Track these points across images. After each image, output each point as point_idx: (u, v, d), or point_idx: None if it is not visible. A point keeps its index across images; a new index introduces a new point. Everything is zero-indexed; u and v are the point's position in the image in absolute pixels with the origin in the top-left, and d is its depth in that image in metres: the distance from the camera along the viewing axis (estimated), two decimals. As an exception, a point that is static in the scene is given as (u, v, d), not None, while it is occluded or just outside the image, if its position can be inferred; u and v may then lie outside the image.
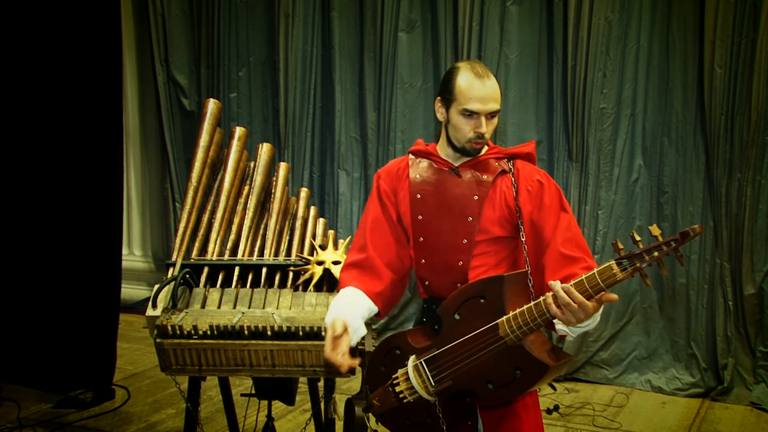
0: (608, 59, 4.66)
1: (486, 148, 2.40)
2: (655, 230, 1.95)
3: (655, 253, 1.95)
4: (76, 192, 4.45)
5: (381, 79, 5.27)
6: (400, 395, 2.31)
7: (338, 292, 2.42)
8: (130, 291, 6.07)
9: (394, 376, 2.33)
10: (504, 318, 2.14)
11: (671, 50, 4.59)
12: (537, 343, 2.16)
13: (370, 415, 2.44)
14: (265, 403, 3.27)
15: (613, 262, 1.98)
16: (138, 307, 5.94)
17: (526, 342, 2.13)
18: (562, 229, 2.27)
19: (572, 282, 2.03)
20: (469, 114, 2.30)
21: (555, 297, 2.03)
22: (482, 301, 2.18)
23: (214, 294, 2.85)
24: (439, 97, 2.37)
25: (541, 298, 2.09)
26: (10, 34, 4.41)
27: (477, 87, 2.28)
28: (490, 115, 2.31)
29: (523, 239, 2.33)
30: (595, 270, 1.99)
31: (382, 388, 2.35)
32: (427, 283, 2.44)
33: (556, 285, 2.03)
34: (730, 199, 4.50)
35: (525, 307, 2.11)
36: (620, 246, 2.00)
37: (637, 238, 1.98)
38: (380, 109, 5.32)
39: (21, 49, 4.41)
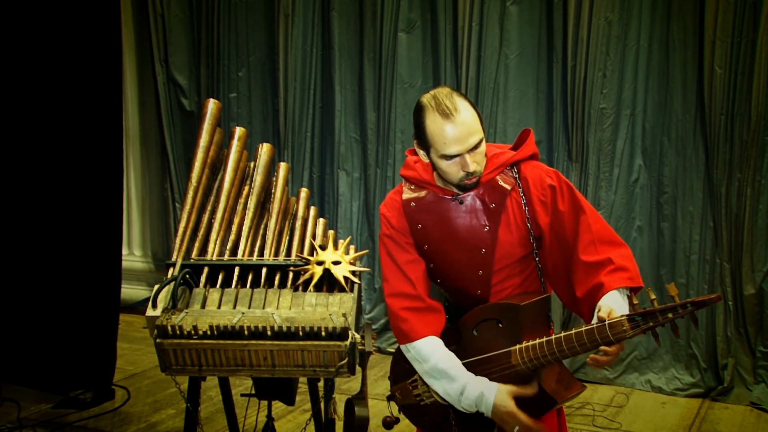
0: (608, 59, 4.66)
1: (484, 161, 2.27)
2: (672, 290, 1.90)
3: (669, 315, 1.91)
4: (76, 192, 4.45)
5: (381, 79, 5.27)
6: (417, 397, 2.32)
7: (413, 340, 2.26)
8: (130, 291, 6.07)
9: (413, 378, 2.34)
10: (517, 347, 2.12)
11: (671, 50, 4.59)
12: (550, 373, 2.14)
13: (393, 403, 2.46)
14: (265, 403, 3.26)
15: (625, 318, 1.94)
16: (138, 307, 5.94)
17: (539, 372, 2.12)
18: (582, 233, 2.17)
19: (585, 328, 2.00)
20: (451, 157, 2.14)
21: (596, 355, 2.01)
22: (500, 325, 2.17)
23: (214, 294, 2.85)
24: (415, 141, 2.24)
25: (554, 337, 2.06)
26: (9, 35, 4.40)
27: (449, 129, 2.10)
28: (473, 148, 2.14)
29: (537, 259, 2.26)
30: (607, 322, 1.96)
31: (403, 384, 2.37)
32: (447, 294, 2.41)
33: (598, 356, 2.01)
34: (730, 199, 4.50)
35: (539, 341, 2.08)
36: (635, 301, 1.96)
37: (652, 296, 1.94)
38: (380, 109, 5.32)
39: (20, 50, 4.41)
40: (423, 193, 2.30)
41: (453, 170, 2.17)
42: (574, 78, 4.72)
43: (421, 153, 2.24)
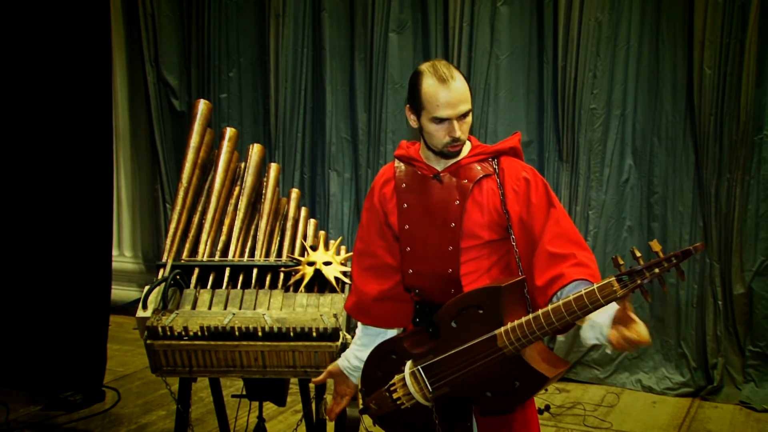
0: (598, 60, 4.68)
1: (468, 147, 2.36)
2: (655, 246, 1.90)
3: (656, 270, 1.90)
4: (66, 193, 4.43)
5: (371, 79, 5.27)
6: (398, 401, 2.29)
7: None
8: (120, 292, 6.05)
9: (390, 382, 2.31)
10: (502, 329, 2.10)
11: (661, 51, 4.60)
12: (535, 352, 2.13)
13: (366, 416, 2.43)
14: (256, 404, 3.26)
15: (614, 278, 1.94)
16: (128, 308, 5.91)
17: (525, 353, 2.11)
18: (550, 225, 2.22)
19: (573, 296, 1.99)
20: (440, 121, 2.26)
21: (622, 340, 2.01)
22: (480, 311, 2.15)
23: (205, 295, 2.84)
24: (408, 105, 2.34)
25: (541, 311, 2.05)
26: (-2, 35, 4.39)
27: (443, 93, 2.24)
28: (462, 116, 2.27)
29: (514, 243, 2.28)
30: (595, 286, 1.96)
31: (378, 393, 2.33)
32: (418, 290, 2.39)
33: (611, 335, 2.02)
34: (720, 199, 4.52)
35: (524, 319, 2.07)
36: (620, 261, 1.96)
37: (638, 254, 1.94)
38: (371, 109, 5.32)
39: (9, 50, 4.39)
40: (410, 170, 2.40)
41: (440, 135, 2.28)
42: (565, 78, 4.74)
43: (412, 118, 2.35)
